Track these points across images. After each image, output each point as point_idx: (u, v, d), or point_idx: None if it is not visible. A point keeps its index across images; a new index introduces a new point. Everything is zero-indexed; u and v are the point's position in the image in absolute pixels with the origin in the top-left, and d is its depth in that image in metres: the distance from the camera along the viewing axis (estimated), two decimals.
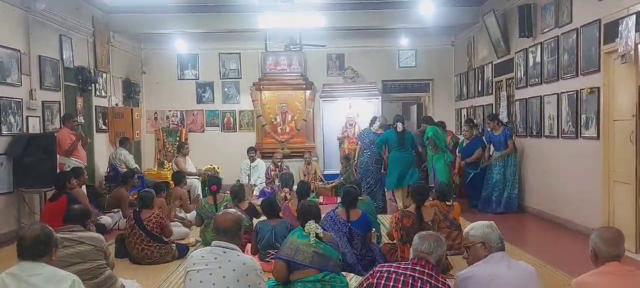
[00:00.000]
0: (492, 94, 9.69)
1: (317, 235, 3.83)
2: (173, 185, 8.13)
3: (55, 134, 7.53)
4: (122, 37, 10.81)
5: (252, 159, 10.28)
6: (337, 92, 11.72)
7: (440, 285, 2.87)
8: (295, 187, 7.00)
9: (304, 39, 11.68)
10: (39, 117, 7.68)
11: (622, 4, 5.60)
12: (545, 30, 7.49)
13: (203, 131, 12.20)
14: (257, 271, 3.16)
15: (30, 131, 7.37)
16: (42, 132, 7.62)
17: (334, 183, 10.10)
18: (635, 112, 5.45)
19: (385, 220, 7.18)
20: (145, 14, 10.09)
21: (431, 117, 9.99)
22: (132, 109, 10.46)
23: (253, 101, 11.68)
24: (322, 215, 4.51)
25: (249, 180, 10.09)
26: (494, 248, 2.97)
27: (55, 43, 8.28)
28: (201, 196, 8.53)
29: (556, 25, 7.16)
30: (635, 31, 5.27)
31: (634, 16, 5.32)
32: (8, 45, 6.99)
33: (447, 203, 5.97)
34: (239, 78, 12.15)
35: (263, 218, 5.44)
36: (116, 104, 10.42)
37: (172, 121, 12.15)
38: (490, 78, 9.73)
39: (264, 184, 9.99)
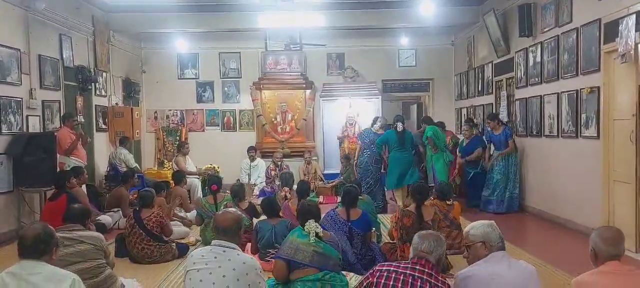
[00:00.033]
0: (492, 93, 9.69)
1: (317, 234, 3.83)
2: (173, 185, 8.13)
3: (55, 133, 7.54)
4: (122, 36, 10.81)
5: (252, 158, 10.28)
6: (337, 92, 11.71)
7: (439, 285, 2.87)
8: (295, 187, 7.00)
9: (304, 39, 11.66)
10: (39, 116, 7.68)
11: (622, 4, 5.60)
12: (545, 30, 7.49)
13: (203, 130, 12.19)
14: (257, 270, 3.16)
15: (30, 130, 7.37)
16: (42, 131, 7.62)
17: (334, 183, 10.11)
18: (635, 112, 5.45)
19: (386, 220, 7.18)
20: (145, 13, 10.09)
21: (430, 117, 10.01)
22: (132, 108, 10.46)
23: (253, 100, 11.68)
24: (322, 215, 4.51)
25: (249, 179, 10.09)
26: (494, 247, 2.97)
27: (55, 42, 8.28)
28: (201, 196, 8.54)
29: (556, 24, 7.16)
30: (635, 31, 5.27)
31: (634, 16, 5.32)
32: (8, 44, 6.99)
33: (447, 202, 5.97)
34: (239, 77, 12.14)
35: (263, 217, 5.45)
36: (116, 103, 10.42)
37: (172, 120, 12.15)
38: (490, 77, 9.73)
39: (264, 183, 10.00)
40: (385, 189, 8.65)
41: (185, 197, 8.00)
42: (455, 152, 9.03)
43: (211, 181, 6.89)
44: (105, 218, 7.29)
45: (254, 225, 5.48)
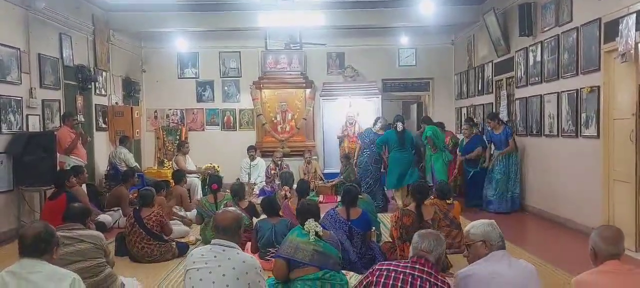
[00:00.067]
0: (492, 92, 9.69)
1: (316, 233, 3.83)
2: (173, 184, 8.13)
3: (55, 133, 7.54)
4: (122, 35, 10.80)
5: (252, 158, 10.29)
6: (337, 91, 11.72)
7: (439, 284, 2.87)
8: (295, 186, 7.01)
9: (304, 38, 11.66)
10: (39, 115, 7.68)
11: (622, 3, 5.60)
12: (545, 29, 7.48)
13: (203, 130, 12.19)
14: (257, 269, 3.16)
15: (30, 129, 7.37)
16: (42, 130, 7.62)
17: (334, 182, 10.11)
18: (635, 111, 5.45)
19: (386, 219, 7.18)
20: (146, 13, 10.09)
21: (430, 117, 10.01)
22: (132, 108, 10.46)
23: (253, 100, 11.68)
24: (322, 214, 4.51)
25: (249, 178, 10.10)
26: (494, 246, 2.97)
27: (55, 41, 8.28)
28: (201, 195, 8.54)
29: (556, 24, 7.15)
30: (636, 30, 5.27)
31: (634, 15, 5.32)
32: (8, 43, 6.99)
33: (447, 201, 5.97)
34: (239, 76, 12.14)
35: (263, 216, 5.45)
36: (116, 103, 10.42)
37: (172, 120, 12.15)
38: (491, 77, 9.73)
39: (264, 183, 10.00)
40: (385, 189, 8.65)
41: (186, 197, 8.00)
42: (455, 152, 9.03)
43: (211, 180, 6.91)
44: (105, 218, 7.30)
45: (253, 225, 5.49)
